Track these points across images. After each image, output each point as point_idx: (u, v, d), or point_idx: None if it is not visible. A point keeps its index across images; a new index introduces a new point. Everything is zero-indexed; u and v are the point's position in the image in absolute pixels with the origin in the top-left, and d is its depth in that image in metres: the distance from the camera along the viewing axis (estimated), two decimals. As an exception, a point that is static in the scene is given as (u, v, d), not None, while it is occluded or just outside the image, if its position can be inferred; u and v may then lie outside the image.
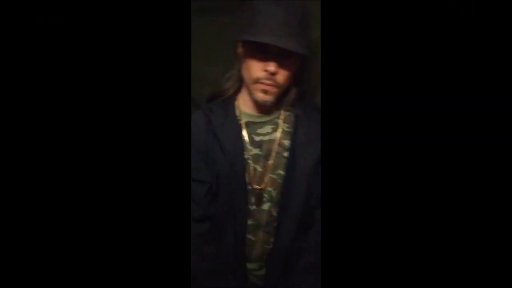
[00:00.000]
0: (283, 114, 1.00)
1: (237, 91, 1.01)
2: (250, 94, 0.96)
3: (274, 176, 0.96)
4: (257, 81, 0.92)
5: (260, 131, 0.99)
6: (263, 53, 0.89)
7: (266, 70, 0.90)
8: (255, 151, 0.97)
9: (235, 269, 0.96)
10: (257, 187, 0.96)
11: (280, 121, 1.00)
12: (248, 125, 0.99)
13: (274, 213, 0.96)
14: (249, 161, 0.96)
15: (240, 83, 0.99)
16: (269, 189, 0.96)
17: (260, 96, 0.94)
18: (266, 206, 0.96)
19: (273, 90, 0.93)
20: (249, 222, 0.96)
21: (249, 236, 0.96)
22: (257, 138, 0.98)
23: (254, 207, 0.96)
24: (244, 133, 0.98)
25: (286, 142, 0.98)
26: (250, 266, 0.97)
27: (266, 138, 0.98)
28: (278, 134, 0.98)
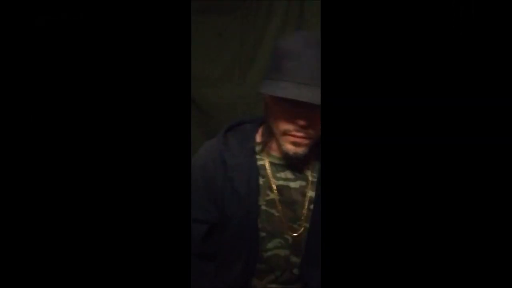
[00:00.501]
0: (311, 161, 0.92)
1: (265, 140, 0.92)
2: (280, 145, 0.87)
3: (301, 229, 0.90)
4: (286, 133, 0.84)
5: (280, 175, 0.91)
6: (292, 104, 0.80)
7: (296, 124, 0.82)
8: (272, 196, 0.90)
9: None
10: (294, 235, 0.89)
11: (305, 168, 0.92)
12: (268, 167, 0.91)
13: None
14: (264, 208, 0.89)
15: (268, 134, 0.90)
16: (287, 237, 0.91)
17: (290, 148, 0.85)
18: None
19: (305, 142, 0.84)
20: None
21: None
22: (276, 183, 0.90)
23: (270, 252, 0.91)
24: (261, 178, 0.90)
25: (310, 192, 0.90)
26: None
27: (286, 183, 0.91)
28: (302, 183, 0.91)
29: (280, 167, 0.90)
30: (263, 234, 0.89)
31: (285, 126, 0.83)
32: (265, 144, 0.90)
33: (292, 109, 0.81)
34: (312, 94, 0.76)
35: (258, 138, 0.91)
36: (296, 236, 0.89)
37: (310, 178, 0.90)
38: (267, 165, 0.90)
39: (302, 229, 0.89)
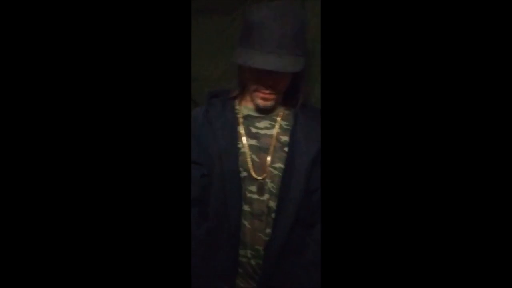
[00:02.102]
0: (281, 112, 1.05)
1: (239, 94, 1.07)
2: (251, 98, 1.03)
3: (273, 170, 0.99)
4: (256, 90, 0.99)
5: (257, 124, 1.03)
6: (260, 70, 0.93)
7: (264, 83, 0.97)
8: (252, 142, 1.01)
9: (228, 253, 0.98)
10: (259, 177, 0.98)
11: (278, 118, 1.04)
12: (246, 118, 1.04)
13: (272, 205, 0.98)
14: (245, 151, 1.00)
15: (242, 87, 1.05)
16: (268, 180, 0.99)
17: (261, 102, 1.01)
18: (265, 197, 0.99)
19: (273, 96, 1.00)
20: (245, 208, 0.99)
21: (244, 222, 0.98)
22: (254, 130, 1.03)
23: (255, 196, 0.99)
24: (241, 125, 1.03)
25: (284, 138, 1.02)
26: (242, 252, 0.99)
27: (263, 132, 1.03)
28: (276, 130, 1.03)
29: (257, 118, 1.04)
30: (244, 173, 0.99)
31: (255, 85, 0.98)
32: (241, 98, 1.06)
33: (260, 74, 0.94)
34: (277, 62, 0.90)
35: (234, 94, 1.06)
36: (258, 179, 0.99)
37: (283, 126, 1.03)
38: (244, 116, 1.04)
39: (266, 172, 1.00)
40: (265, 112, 1.04)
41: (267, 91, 0.98)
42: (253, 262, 1.00)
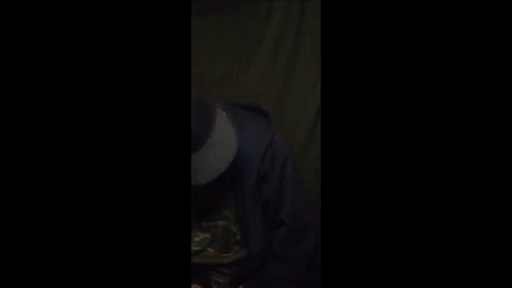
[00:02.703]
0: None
1: None
2: None
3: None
4: None
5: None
6: None
7: None
8: (205, 235, 1.03)
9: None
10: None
11: (228, 211, 1.03)
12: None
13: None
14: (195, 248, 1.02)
15: None
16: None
17: None
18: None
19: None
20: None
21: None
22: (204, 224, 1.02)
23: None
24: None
25: (233, 228, 1.03)
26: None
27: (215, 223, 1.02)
28: (224, 222, 1.02)
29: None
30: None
31: None
32: None
33: None
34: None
35: None
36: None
37: (229, 215, 1.01)
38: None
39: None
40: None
41: None
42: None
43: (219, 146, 0.85)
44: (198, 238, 1.01)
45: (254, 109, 1.04)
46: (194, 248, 1.00)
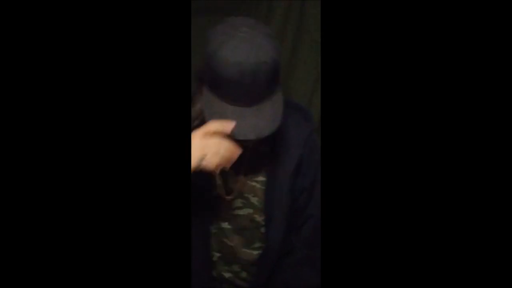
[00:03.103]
0: (253, 186, 0.97)
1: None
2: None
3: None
4: None
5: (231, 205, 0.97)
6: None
7: None
8: (224, 225, 0.96)
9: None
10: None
11: (250, 196, 0.97)
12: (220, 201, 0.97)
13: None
14: (214, 232, 0.96)
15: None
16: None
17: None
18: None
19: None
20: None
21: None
22: (226, 215, 0.96)
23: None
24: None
25: (258, 218, 0.96)
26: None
27: (235, 212, 0.96)
28: (249, 210, 0.96)
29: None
30: (217, 255, 0.96)
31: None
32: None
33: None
34: (255, 126, 0.79)
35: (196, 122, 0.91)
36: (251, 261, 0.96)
37: (256, 204, 0.95)
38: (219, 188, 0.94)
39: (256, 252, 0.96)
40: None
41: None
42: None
43: (276, 107, 0.82)
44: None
45: (293, 105, 1.01)
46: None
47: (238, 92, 0.79)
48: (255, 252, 0.96)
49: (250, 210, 0.95)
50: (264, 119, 0.80)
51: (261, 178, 0.95)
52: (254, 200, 0.95)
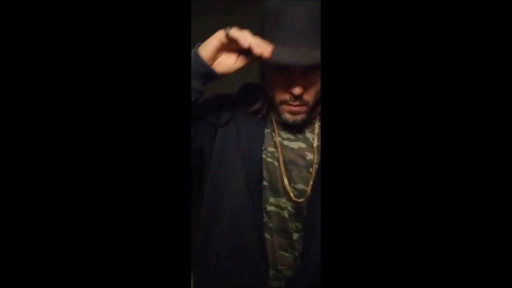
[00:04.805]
0: (313, 123, 0.92)
1: (269, 108, 0.93)
2: (279, 114, 0.88)
3: (293, 190, 0.90)
4: (283, 103, 0.85)
5: (281, 133, 0.92)
6: (285, 71, 0.81)
7: (291, 93, 0.82)
8: (273, 150, 0.91)
9: (256, 274, 0.90)
10: (299, 200, 0.89)
11: (307, 130, 0.92)
12: (272, 122, 0.92)
13: (292, 225, 0.90)
14: (266, 159, 0.90)
15: (265, 101, 0.91)
16: (285, 199, 0.90)
17: (289, 117, 0.86)
18: (286, 214, 0.90)
19: (302, 109, 0.85)
20: (265, 220, 0.90)
21: (266, 235, 0.90)
22: (276, 138, 0.91)
23: (275, 209, 0.90)
24: (266, 129, 0.91)
25: (310, 155, 0.90)
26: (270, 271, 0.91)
27: (285, 143, 0.91)
28: (300, 143, 0.91)
29: (281, 125, 0.91)
30: (265, 183, 0.89)
31: (281, 96, 0.84)
32: (268, 106, 0.91)
33: (283, 77, 0.81)
34: (308, 54, 0.75)
35: (257, 107, 0.92)
36: (297, 203, 0.89)
37: (311, 141, 0.91)
38: (273, 121, 0.91)
39: (303, 197, 0.88)
40: (297, 129, 0.91)
41: (296, 103, 0.84)
42: (274, 284, 0.91)
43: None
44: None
45: None
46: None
47: (280, 25, 0.78)
48: (288, 257, 0.90)
49: (303, 145, 0.91)
50: (315, 55, 0.77)
51: (301, 186, 0.89)
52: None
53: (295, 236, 0.89)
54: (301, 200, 0.89)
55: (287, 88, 0.82)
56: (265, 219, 0.90)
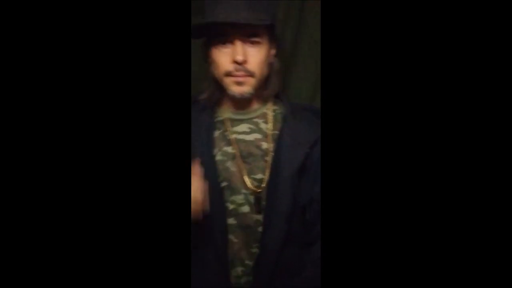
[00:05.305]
0: (265, 113, 0.95)
1: (214, 95, 0.95)
2: (226, 90, 0.90)
3: (252, 181, 0.91)
4: (228, 74, 0.87)
5: (235, 129, 0.93)
6: (226, 41, 0.85)
7: (234, 61, 0.85)
8: (228, 149, 0.92)
9: (219, 273, 0.90)
10: (257, 189, 0.91)
11: (260, 121, 0.94)
12: (224, 122, 0.94)
13: (258, 217, 0.91)
14: (220, 158, 0.91)
15: (218, 85, 0.93)
16: (247, 192, 0.92)
17: (235, 89, 0.88)
18: (248, 209, 0.92)
19: (248, 80, 0.88)
20: (230, 221, 0.91)
21: (230, 236, 0.91)
22: (231, 136, 0.92)
23: (239, 208, 0.91)
24: (217, 130, 0.93)
25: (265, 145, 0.93)
26: (233, 272, 0.92)
27: (241, 137, 0.93)
28: (255, 135, 0.93)
29: (236, 121, 0.93)
30: (224, 184, 0.91)
31: (225, 67, 0.86)
32: (215, 98, 0.94)
33: (227, 46, 0.85)
34: (246, 15, 0.80)
35: (206, 94, 0.94)
36: (256, 192, 0.91)
37: (265, 131, 0.93)
38: (222, 120, 0.94)
39: (262, 185, 0.90)
40: (245, 105, 0.93)
41: (240, 73, 0.86)
42: (243, 279, 0.91)
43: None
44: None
45: (308, 108, 1.00)
46: None
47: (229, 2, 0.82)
48: (254, 251, 0.91)
49: (259, 136, 0.93)
50: (252, 17, 0.83)
51: (260, 176, 0.91)
52: (263, 126, 0.93)
53: (260, 229, 0.91)
54: (259, 190, 0.91)
55: (230, 58, 0.85)
56: (230, 219, 0.91)
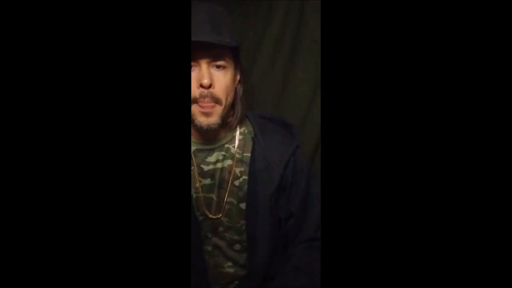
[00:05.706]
0: (235, 137, 0.95)
1: None
2: (193, 121, 0.88)
3: (228, 206, 0.93)
4: (195, 101, 0.86)
5: (209, 159, 0.93)
6: (194, 65, 0.85)
7: (200, 85, 0.85)
8: (206, 181, 0.93)
9: None
10: (212, 216, 0.93)
11: (231, 147, 0.94)
12: (196, 154, 0.93)
13: (234, 237, 0.94)
14: (200, 193, 0.93)
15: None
16: (224, 219, 0.94)
17: (202, 120, 0.87)
18: (227, 234, 0.95)
19: (215, 109, 0.87)
20: (208, 249, 0.95)
21: (209, 261, 0.95)
22: (206, 168, 0.93)
23: (213, 235, 0.95)
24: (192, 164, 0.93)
25: (240, 169, 0.93)
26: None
27: (216, 166, 0.93)
28: (228, 161, 0.93)
29: (207, 151, 0.93)
30: (201, 217, 0.92)
31: (192, 94, 0.85)
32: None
33: (193, 73, 0.84)
34: (200, 35, 0.81)
35: None
36: (214, 218, 0.93)
37: (236, 155, 0.93)
38: (193, 152, 0.92)
39: (221, 210, 0.92)
40: (212, 135, 0.92)
41: (206, 100, 0.85)
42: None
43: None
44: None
45: (277, 122, 1.01)
46: None
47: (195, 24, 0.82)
48: (235, 272, 0.95)
49: (230, 162, 0.93)
50: (224, 36, 0.84)
51: (233, 201, 0.93)
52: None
53: (237, 247, 0.94)
54: (220, 215, 0.93)
55: (197, 83, 0.85)
56: (208, 247, 0.94)
